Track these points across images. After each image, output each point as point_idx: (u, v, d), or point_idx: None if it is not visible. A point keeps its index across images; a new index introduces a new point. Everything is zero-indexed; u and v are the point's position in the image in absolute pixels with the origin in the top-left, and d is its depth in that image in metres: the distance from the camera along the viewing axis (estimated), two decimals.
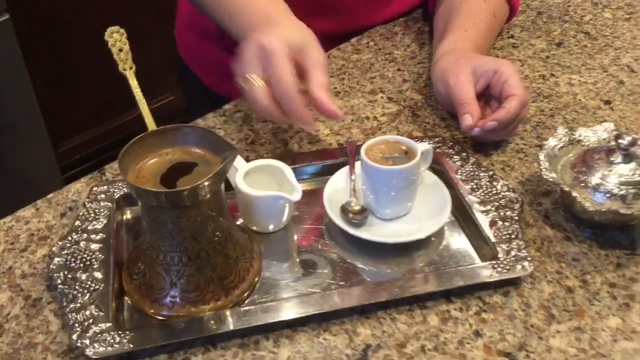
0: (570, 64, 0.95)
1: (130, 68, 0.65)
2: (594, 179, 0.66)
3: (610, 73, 0.93)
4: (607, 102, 0.88)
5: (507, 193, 0.70)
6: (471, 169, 0.74)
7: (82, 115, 1.99)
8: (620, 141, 0.65)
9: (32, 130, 1.80)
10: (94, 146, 2.01)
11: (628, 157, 0.66)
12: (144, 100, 0.62)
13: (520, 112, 0.74)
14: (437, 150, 0.77)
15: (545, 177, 0.66)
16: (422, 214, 0.70)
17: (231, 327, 0.58)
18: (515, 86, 0.73)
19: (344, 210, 0.69)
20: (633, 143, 0.65)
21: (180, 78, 1.13)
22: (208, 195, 0.56)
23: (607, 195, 0.65)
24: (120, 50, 0.65)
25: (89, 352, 0.56)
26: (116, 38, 0.66)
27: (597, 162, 0.66)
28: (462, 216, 0.70)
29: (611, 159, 0.66)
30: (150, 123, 0.61)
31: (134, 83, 0.63)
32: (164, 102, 2.14)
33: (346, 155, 0.75)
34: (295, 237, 0.70)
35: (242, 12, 0.77)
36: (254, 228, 0.69)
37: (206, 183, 0.55)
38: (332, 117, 0.70)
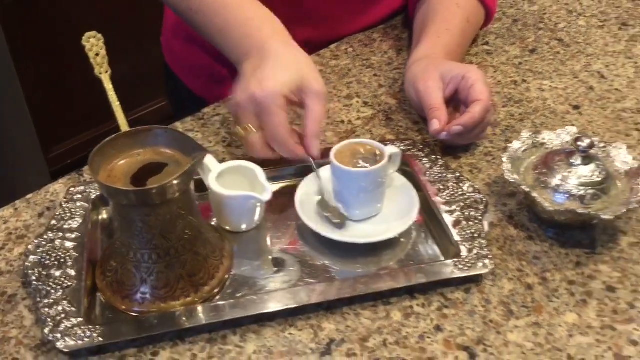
0: (542, 70, 0.98)
1: (106, 72, 0.67)
2: (555, 180, 0.68)
3: (580, 79, 0.96)
4: (576, 107, 0.90)
5: (472, 194, 0.73)
6: (439, 171, 0.76)
7: (72, 121, 2.02)
8: (579, 144, 0.67)
9: (22, 136, 1.82)
10: (84, 152, 2.03)
11: (587, 159, 0.68)
12: (118, 102, 0.65)
13: (485, 116, 0.76)
14: (408, 152, 0.79)
15: (507, 177, 0.69)
16: (391, 214, 0.72)
17: (199, 322, 0.60)
18: (480, 91, 0.76)
19: (324, 206, 0.71)
20: (591, 146, 0.67)
21: (167, 84, 1.15)
22: (177, 194, 0.58)
23: (567, 195, 0.67)
24: (97, 54, 0.67)
25: (60, 345, 0.57)
26: (93, 43, 0.68)
27: (558, 164, 0.69)
28: (429, 216, 0.72)
29: (571, 161, 0.68)
30: (124, 125, 0.63)
31: (108, 86, 0.66)
32: (156, 107, 2.17)
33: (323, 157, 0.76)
34: (268, 237, 0.72)
35: (232, 29, 0.78)
36: (227, 228, 0.71)
37: (175, 182, 0.57)
38: (308, 154, 0.72)
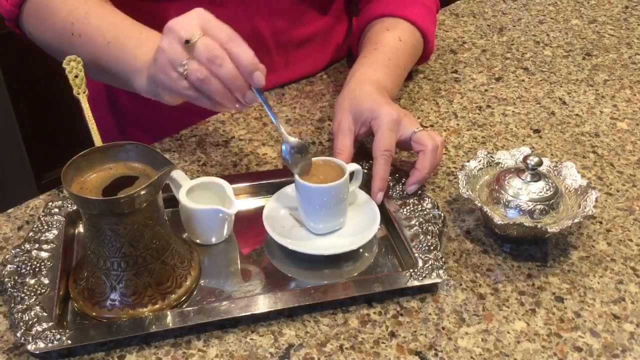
0: (507, 96, 1.03)
1: (84, 92, 0.71)
2: (506, 196, 0.72)
3: (543, 105, 1.01)
4: (537, 131, 0.94)
5: (431, 210, 0.76)
6: (402, 189, 0.80)
7: (64, 148, 2.05)
8: (528, 162, 0.71)
9: (15, 162, 1.86)
10: None
11: (537, 176, 0.72)
12: (93, 120, 0.69)
13: (388, 165, 0.78)
14: None
15: (462, 193, 0.72)
16: (354, 228, 0.76)
17: (164, 327, 0.63)
18: (377, 146, 0.79)
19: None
20: (539, 163, 0.71)
21: None
22: (144, 204, 0.62)
23: (517, 210, 0.71)
24: (76, 76, 0.72)
25: (30, 347, 0.60)
26: (73, 65, 0.72)
27: (509, 181, 0.72)
28: (391, 230, 0.76)
29: (522, 178, 0.72)
30: (98, 141, 0.67)
31: (85, 106, 0.70)
32: None
33: (289, 175, 0.80)
34: (237, 249, 0.76)
35: (126, 39, 0.78)
36: (198, 241, 0.75)
37: (142, 192, 0.61)
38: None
